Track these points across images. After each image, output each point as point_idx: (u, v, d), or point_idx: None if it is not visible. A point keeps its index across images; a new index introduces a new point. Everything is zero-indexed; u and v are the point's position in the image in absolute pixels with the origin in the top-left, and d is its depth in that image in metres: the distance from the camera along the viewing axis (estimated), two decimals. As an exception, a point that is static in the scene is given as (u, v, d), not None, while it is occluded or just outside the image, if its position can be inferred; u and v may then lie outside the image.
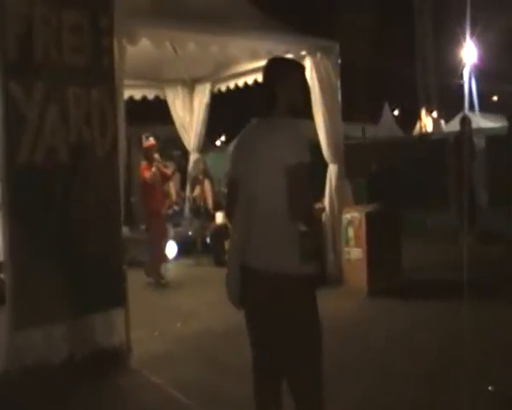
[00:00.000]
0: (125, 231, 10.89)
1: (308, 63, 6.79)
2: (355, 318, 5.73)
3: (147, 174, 7.55)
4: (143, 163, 7.68)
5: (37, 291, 4.60)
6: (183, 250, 9.28)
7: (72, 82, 4.60)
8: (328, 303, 5.92)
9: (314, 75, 6.79)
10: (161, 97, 9.13)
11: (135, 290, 6.68)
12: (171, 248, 9.20)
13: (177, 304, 6.71)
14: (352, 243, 6.63)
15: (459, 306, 4.34)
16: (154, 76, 8.51)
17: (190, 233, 9.58)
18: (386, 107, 20.37)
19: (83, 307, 4.83)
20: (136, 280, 7.71)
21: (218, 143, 37.46)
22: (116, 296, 5.02)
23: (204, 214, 9.28)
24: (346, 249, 6.70)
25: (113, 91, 4.83)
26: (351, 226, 6.64)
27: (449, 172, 10.05)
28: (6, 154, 4.41)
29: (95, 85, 4.71)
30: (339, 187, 7.01)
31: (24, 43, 4.34)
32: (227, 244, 7.94)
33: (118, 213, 5.03)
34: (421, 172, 11.46)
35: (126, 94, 8.80)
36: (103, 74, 4.77)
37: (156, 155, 7.63)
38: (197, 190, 9.42)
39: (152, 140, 7.83)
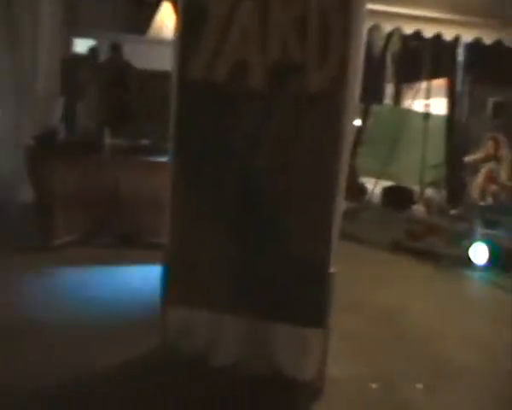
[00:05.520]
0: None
1: None
2: None
3: None
4: None
5: (202, 265, 3.36)
6: (499, 262, 6.62)
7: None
8: None
9: None
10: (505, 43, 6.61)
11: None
12: (481, 252, 6.85)
13: (443, 349, 4.17)
14: None
15: None
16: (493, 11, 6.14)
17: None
18: None
19: (264, 309, 3.38)
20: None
21: None
22: (313, 311, 3.35)
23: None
24: None
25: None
26: None
27: None
28: (179, 60, 3.16)
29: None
30: None
31: None
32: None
33: (332, 191, 3.25)
34: None
35: (452, 33, 6.74)
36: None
37: None
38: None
39: None
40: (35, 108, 6.54)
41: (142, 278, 4.74)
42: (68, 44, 9.05)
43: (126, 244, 5.56)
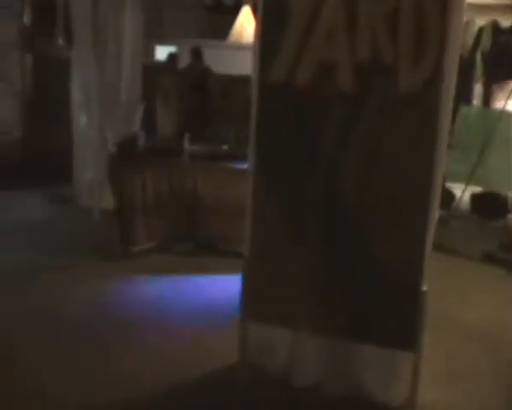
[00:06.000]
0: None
1: None
2: None
3: None
4: None
5: (282, 278, 3.16)
6: None
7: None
8: None
9: None
10: None
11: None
12: None
13: None
14: None
15: None
16: None
17: None
18: None
19: (349, 328, 3.12)
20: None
21: None
22: (403, 332, 3.05)
23: None
24: None
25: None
26: None
27: None
28: (259, 62, 3.00)
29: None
30: None
31: None
32: None
33: (426, 199, 2.94)
34: None
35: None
36: None
37: None
38: None
39: None
40: (118, 115, 6.61)
41: (222, 289, 4.62)
42: (150, 52, 9.17)
43: (205, 252, 5.48)
